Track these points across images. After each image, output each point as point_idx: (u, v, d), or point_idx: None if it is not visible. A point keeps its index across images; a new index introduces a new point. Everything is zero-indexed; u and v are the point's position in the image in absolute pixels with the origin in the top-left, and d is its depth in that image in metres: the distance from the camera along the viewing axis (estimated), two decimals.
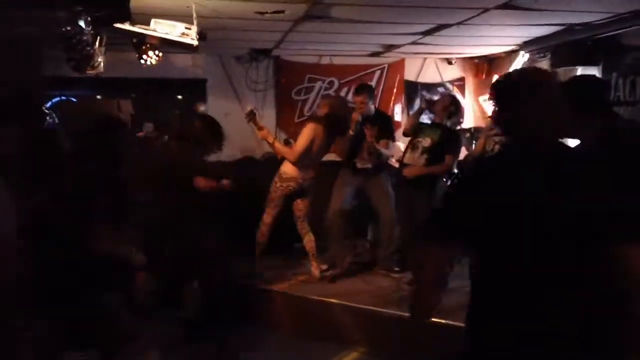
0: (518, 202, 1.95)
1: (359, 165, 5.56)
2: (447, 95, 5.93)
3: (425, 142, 5.18)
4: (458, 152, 5.29)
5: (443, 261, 2.14)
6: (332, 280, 5.47)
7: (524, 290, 1.98)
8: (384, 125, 5.61)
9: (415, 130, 5.41)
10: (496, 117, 2.23)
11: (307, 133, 5.29)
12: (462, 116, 6.34)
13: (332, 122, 5.27)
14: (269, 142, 5.37)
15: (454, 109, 5.36)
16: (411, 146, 5.32)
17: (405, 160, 5.32)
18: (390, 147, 5.71)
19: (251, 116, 5.30)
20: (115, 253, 3.32)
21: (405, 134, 5.64)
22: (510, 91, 2.15)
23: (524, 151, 2.05)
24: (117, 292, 3.32)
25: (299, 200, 5.55)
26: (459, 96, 7.74)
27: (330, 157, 5.73)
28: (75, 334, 3.03)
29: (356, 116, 5.47)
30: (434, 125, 5.36)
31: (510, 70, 6.95)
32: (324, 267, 5.61)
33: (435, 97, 7.01)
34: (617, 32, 5.24)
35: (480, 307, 2.14)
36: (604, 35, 5.36)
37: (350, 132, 5.43)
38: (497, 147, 4.63)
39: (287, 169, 5.38)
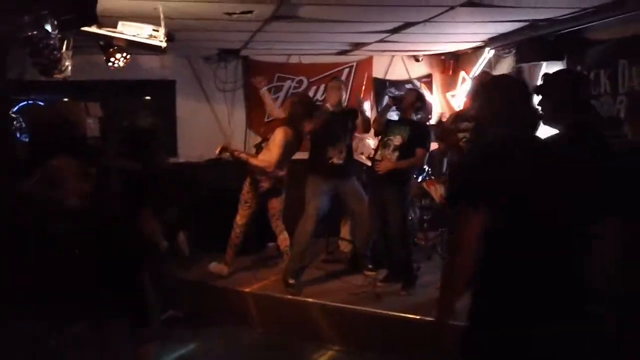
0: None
1: (335, 160, 5.44)
2: (413, 91, 5.91)
3: (397, 139, 5.21)
4: (428, 146, 5.32)
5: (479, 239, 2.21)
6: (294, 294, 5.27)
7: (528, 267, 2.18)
8: (351, 120, 5.59)
9: (384, 128, 5.42)
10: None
11: (279, 139, 5.31)
12: (429, 112, 6.43)
13: (296, 121, 5.32)
14: (245, 161, 5.41)
15: (420, 104, 5.41)
16: (382, 144, 5.34)
17: (377, 157, 5.34)
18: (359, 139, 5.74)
19: (223, 154, 5.36)
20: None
21: (376, 134, 5.61)
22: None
23: (515, 142, 2.32)
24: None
25: (273, 199, 5.58)
26: (426, 92, 7.83)
27: (301, 155, 5.75)
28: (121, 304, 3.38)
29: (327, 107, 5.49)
30: (402, 121, 5.39)
31: (479, 68, 7.09)
32: (292, 281, 5.34)
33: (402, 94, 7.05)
34: (580, 27, 5.35)
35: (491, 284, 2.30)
36: (568, 30, 5.46)
37: (328, 107, 5.43)
38: (461, 143, 4.64)
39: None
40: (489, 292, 2.27)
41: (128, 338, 3.55)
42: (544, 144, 2.49)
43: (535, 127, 2.46)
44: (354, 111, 5.61)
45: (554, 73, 3.48)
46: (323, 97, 7.91)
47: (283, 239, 5.67)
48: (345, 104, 7.91)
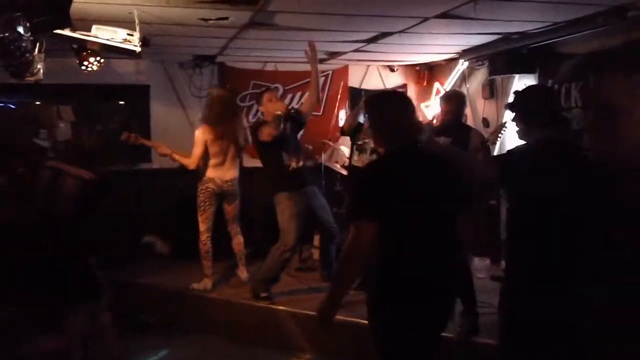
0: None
1: (293, 165, 5.29)
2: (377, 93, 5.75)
3: (372, 142, 5.21)
4: None
5: None
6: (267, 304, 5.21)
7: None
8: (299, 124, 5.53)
9: (356, 130, 5.33)
10: None
11: (196, 139, 5.45)
12: None
13: (215, 119, 5.42)
14: (168, 155, 5.46)
15: None
16: (358, 148, 5.32)
17: (355, 163, 5.32)
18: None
19: (129, 139, 5.39)
20: None
21: (342, 133, 5.47)
22: None
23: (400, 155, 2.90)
24: None
25: (226, 205, 5.60)
26: None
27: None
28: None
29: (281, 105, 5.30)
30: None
31: (454, 79, 7.18)
32: (264, 295, 5.24)
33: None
34: (552, 40, 5.46)
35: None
36: (540, 43, 5.57)
37: (273, 131, 5.07)
38: None
39: (206, 171, 5.51)
40: (386, 278, 2.77)
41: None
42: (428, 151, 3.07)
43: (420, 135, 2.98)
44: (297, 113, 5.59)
45: (524, 89, 3.62)
46: (299, 104, 7.95)
47: (237, 242, 5.71)
48: (322, 110, 8.03)
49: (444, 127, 4.74)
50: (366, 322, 4.62)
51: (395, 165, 2.80)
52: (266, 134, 5.10)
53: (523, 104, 3.23)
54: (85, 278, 4.26)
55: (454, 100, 4.79)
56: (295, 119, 5.42)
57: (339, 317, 4.76)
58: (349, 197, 2.93)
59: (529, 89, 3.79)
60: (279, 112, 5.11)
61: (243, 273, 5.74)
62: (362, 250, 2.65)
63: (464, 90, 7.10)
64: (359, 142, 5.28)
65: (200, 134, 5.44)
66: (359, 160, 5.33)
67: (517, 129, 3.28)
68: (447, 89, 7.30)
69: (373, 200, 2.68)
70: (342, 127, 5.56)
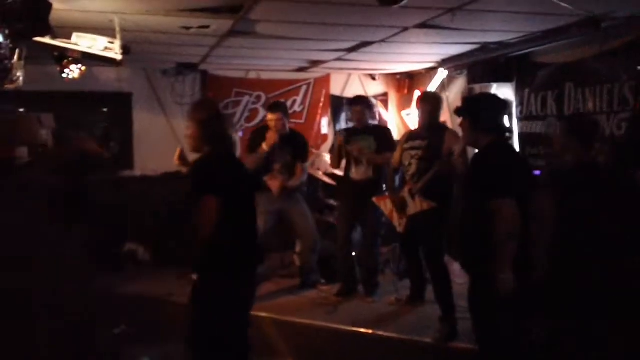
0: None
1: (274, 187, 5.47)
2: (356, 101, 5.60)
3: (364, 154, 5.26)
4: (395, 146, 5.22)
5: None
6: None
7: None
8: (298, 147, 5.57)
9: (347, 142, 5.40)
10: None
11: None
12: (374, 115, 6.57)
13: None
14: None
15: (367, 106, 5.47)
16: (354, 161, 5.34)
17: (353, 176, 5.35)
18: (304, 171, 5.68)
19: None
20: None
21: (335, 167, 5.71)
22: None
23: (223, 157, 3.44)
24: None
25: None
26: (382, 110, 7.99)
27: None
28: None
29: (272, 136, 5.29)
30: (363, 131, 5.35)
31: (433, 87, 7.26)
32: None
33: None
34: (529, 50, 5.56)
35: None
36: (517, 53, 5.67)
37: (264, 148, 5.28)
38: (413, 161, 4.73)
39: None
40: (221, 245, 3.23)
41: None
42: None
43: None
44: (301, 139, 5.66)
45: (474, 96, 3.79)
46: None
47: None
48: (305, 118, 8.08)
49: (421, 130, 4.80)
50: (347, 327, 4.71)
51: None
52: (247, 162, 5.22)
53: (473, 110, 3.36)
54: None
55: (430, 101, 4.85)
56: (291, 143, 5.47)
57: (319, 323, 4.87)
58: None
59: (479, 96, 3.99)
60: (264, 149, 5.25)
61: None
62: None
63: (443, 98, 7.18)
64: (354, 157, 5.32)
65: None
66: (356, 173, 5.35)
67: (467, 135, 3.41)
68: None
69: None
70: (332, 166, 5.77)
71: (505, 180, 3.14)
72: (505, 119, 3.71)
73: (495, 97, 3.76)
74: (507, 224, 3.04)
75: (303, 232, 5.60)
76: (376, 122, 5.53)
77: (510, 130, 3.51)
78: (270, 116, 5.41)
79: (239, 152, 6.16)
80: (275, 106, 5.55)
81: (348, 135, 5.39)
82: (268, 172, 5.49)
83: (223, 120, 3.45)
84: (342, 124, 8.15)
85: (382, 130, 5.55)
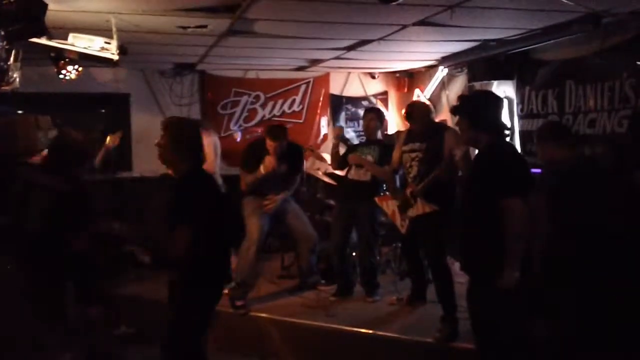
0: None
1: (266, 203, 5.43)
2: (371, 113, 5.67)
3: (368, 159, 5.28)
4: None
5: None
6: (243, 314, 5.16)
7: None
8: (295, 160, 5.55)
9: (351, 151, 5.48)
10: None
11: None
12: (385, 127, 6.55)
13: None
14: None
15: (380, 123, 5.51)
16: (355, 164, 5.38)
17: (352, 177, 5.37)
18: (297, 181, 5.72)
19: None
20: None
21: (336, 169, 5.73)
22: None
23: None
24: None
25: None
26: (382, 108, 7.94)
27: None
28: None
29: (271, 161, 5.22)
30: (369, 142, 5.46)
31: (433, 86, 7.24)
32: (239, 303, 5.20)
33: (360, 111, 7.11)
34: (529, 47, 5.52)
35: None
36: (517, 50, 5.62)
37: (262, 172, 5.23)
38: (414, 163, 4.71)
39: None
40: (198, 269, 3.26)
41: None
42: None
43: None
44: (298, 152, 5.65)
45: (470, 94, 3.73)
46: (281, 112, 7.97)
47: None
48: (304, 118, 8.06)
49: (419, 133, 4.77)
50: (347, 327, 4.69)
51: None
52: (243, 180, 5.42)
53: (471, 109, 3.31)
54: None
55: (416, 115, 4.81)
56: (288, 158, 5.43)
57: (318, 323, 4.84)
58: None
59: (475, 94, 3.94)
60: (262, 172, 5.23)
61: None
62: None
63: (443, 96, 7.16)
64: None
65: None
66: (354, 174, 5.34)
67: (466, 134, 3.37)
68: (427, 96, 7.35)
69: None
70: (333, 167, 5.76)
71: (514, 179, 3.12)
72: (504, 116, 3.65)
73: (491, 93, 3.71)
74: (519, 222, 3.02)
75: (301, 234, 5.58)
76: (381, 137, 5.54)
77: (509, 127, 3.45)
78: (270, 143, 5.24)
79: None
80: (276, 134, 5.30)
81: (354, 147, 5.53)
82: (262, 189, 5.41)
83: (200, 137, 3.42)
84: (342, 124, 8.11)
85: (386, 145, 5.54)
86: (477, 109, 3.31)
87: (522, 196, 3.07)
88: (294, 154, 5.54)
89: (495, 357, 3.24)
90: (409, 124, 4.96)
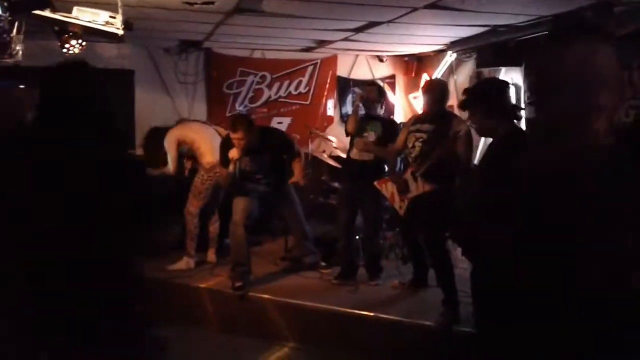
0: None
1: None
2: (373, 85, 5.54)
3: (370, 136, 5.18)
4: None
5: None
6: (240, 297, 5.13)
7: None
8: (278, 147, 5.40)
9: (360, 130, 5.38)
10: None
11: None
12: (391, 110, 6.50)
13: None
14: None
15: (383, 98, 5.43)
16: (357, 142, 5.31)
17: (354, 157, 5.30)
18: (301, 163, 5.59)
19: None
20: None
21: (349, 134, 5.44)
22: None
23: None
24: None
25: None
26: (389, 93, 7.88)
27: None
28: None
29: (235, 154, 5.10)
30: (372, 118, 5.29)
31: (442, 70, 7.17)
32: (238, 284, 5.17)
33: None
34: (539, 34, 5.44)
35: None
36: (526, 37, 5.54)
37: (230, 170, 5.18)
38: (417, 143, 4.66)
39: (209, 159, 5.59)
40: None
41: None
42: None
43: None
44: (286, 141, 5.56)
45: (479, 84, 3.66)
46: (287, 93, 7.91)
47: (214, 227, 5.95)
48: (310, 99, 8.00)
49: (428, 115, 4.72)
50: (349, 309, 4.68)
51: None
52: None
53: (486, 97, 3.24)
54: None
55: (437, 89, 4.77)
56: (268, 148, 5.32)
57: (321, 305, 4.83)
58: None
59: (483, 83, 3.86)
60: (230, 170, 5.22)
61: (212, 255, 5.94)
62: None
63: (451, 82, 7.08)
64: (359, 138, 5.22)
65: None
66: (356, 154, 5.28)
67: (482, 124, 3.29)
68: None
69: None
70: (347, 129, 5.43)
71: None
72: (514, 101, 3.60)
73: (500, 80, 3.67)
74: None
75: (291, 225, 5.67)
76: (383, 113, 5.44)
77: (522, 108, 3.40)
78: (232, 134, 5.06)
79: None
80: (234, 125, 5.07)
81: (360, 120, 5.31)
82: (252, 182, 5.37)
83: None
84: (348, 106, 8.06)
85: (390, 121, 5.52)
86: (492, 96, 3.24)
87: None
88: (272, 142, 5.38)
89: (492, 342, 3.20)
90: (424, 98, 4.85)
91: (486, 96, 3.28)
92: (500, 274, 2.85)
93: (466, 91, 3.48)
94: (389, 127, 5.26)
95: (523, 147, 3.09)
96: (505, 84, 3.42)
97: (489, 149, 3.40)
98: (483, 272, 3.11)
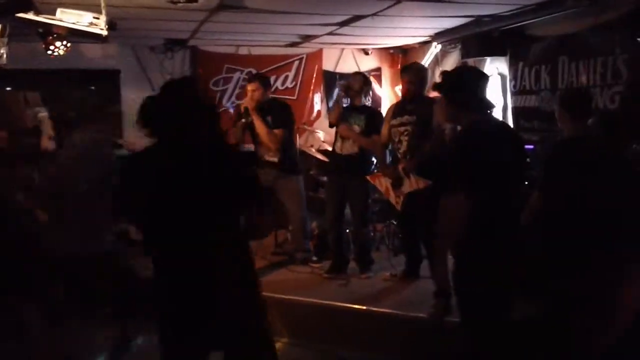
0: None
1: (266, 157, 5.46)
2: (357, 75, 5.57)
3: (355, 128, 5.18)
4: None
5: None
6: None
7: None
8: (279, 113, 5.45)
9: (340, 119, 5.36)
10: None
11: None
12: (378, 103, 6.49)
13: None
14: None
15: (368, 87, 5.43)
16: (340, 136, 5.31)
17: (339, 151, 5.29)
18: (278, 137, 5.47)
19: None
20: None
21: (332, 126, 5.47)
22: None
23: None
24: None
25: None
26: (375, 85, 7.91)
27: None
28: None
29: (246, 102, 5.37)
30: (356, 109, 5.29)
31: (427, 62, 7.18)
32: None
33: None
34: (523, 23, 5.48)
35: None
36: (511, 26, 5.59)
37: (243, 121, 5.36)
38: (403, 137, 4.68)
39: None
40: None
41: None
42: None
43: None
44: (283, 105, 5.62)
45: (452, 70, 3.62)
46: (273, 88, 7.89)
47: None
48: (297, 94, 8.00)
49: (407, 103, 4.72)
50: (341, 304, 4.70)
51: None
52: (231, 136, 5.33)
53: (451, 85, 3.20)
54: None
55: (413, 72, 4.80)
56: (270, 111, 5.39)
57: (313, 299, 4.86)
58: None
59: (458, 70, 3.82)
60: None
61: None
62: None
63: (437, 73, 7.11)
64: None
65: None
66: (340, 147, 5.28)
67: (445, 112, 3.27)
68: None
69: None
70: (330, 121, 5.47)
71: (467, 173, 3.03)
72: (489, 93, 3.53)
73: (473, 69, 3.59)
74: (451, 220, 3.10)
75: (291, 215, 5.66)
76: (369, 103, 5.44)
77: (493, 105, 3.37)
78: (248, 85, 5.51)
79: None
80: (252, 77, 5.73)
81: (344, 110, 5.33)
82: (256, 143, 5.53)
83: None
84: (335, 100, 8.05)
85: (374, 112, 5.47)
86: (456, 85, 3.16)
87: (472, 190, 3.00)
88: (274, 108, 5.47)
89: (477, 334, 3.22)
90: (402, 79, 4.86)
91: (450, 84, 3.20)
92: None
93: (441, 74, 3.44)
94: (373, 118, 5.23)
95: (488, 137, 3.04)
96: (475, 75, 3.31)
97: (455, 137, 3.43)
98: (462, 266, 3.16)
